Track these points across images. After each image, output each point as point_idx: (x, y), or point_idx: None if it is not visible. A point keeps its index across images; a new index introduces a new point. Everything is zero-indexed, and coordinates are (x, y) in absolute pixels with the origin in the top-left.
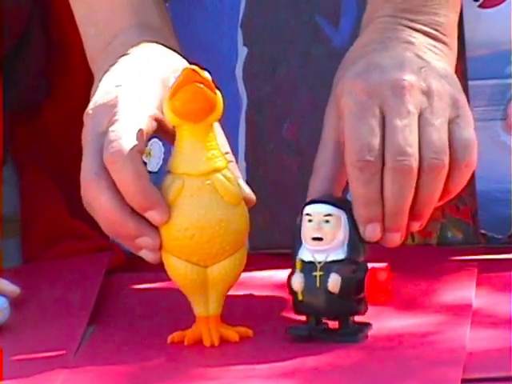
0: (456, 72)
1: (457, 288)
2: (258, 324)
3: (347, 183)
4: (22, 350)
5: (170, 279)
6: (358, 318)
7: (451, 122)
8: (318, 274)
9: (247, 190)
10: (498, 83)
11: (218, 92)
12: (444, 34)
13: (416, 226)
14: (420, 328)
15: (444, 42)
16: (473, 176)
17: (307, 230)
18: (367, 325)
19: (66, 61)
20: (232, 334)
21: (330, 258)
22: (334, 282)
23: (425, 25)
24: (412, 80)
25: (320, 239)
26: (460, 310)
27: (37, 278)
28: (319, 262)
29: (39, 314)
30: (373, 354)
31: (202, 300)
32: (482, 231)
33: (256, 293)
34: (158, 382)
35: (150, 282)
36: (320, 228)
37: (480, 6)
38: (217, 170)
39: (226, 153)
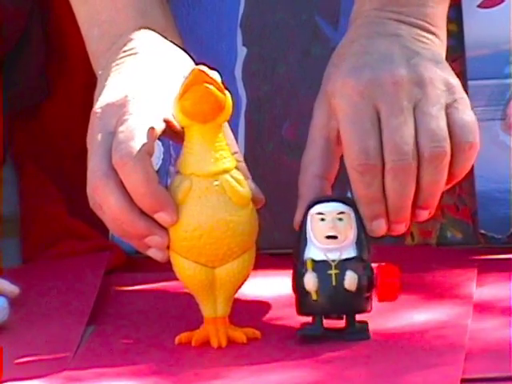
0: (455, 72)
1: (456, 288)
2: (261, 325)
3: (335, 179)
4: (21, 350)
5: (170, 279)
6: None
7: (449, 107)
8: (333, 272)
9: (256, 190)
10: (498, 83)
11: (226, 92)
12: (432, 25)
13: (425, 215)
14: (419, 328)
15: (432, 32)
16: (472, 176)
17: (320, 229)
18: (365, 323)
19: (65, 61)
20: (240, 335)
21: (343, 256)
22: (351, 280)
23: (412, 16)
24: (403, 74)
25: (335, 237)
26: (460, 310)
27: (37, 278)
28: (333, 261)
29: (39, 314)
30: (372, 354)
31: (209, 301)
32: (482, 231)
33: (256, 293)
34: (158, 382)
35: (150, 282)
36: (335, 226)
37: (480, 6)
38: (225, 171)
39: (235, 153)
